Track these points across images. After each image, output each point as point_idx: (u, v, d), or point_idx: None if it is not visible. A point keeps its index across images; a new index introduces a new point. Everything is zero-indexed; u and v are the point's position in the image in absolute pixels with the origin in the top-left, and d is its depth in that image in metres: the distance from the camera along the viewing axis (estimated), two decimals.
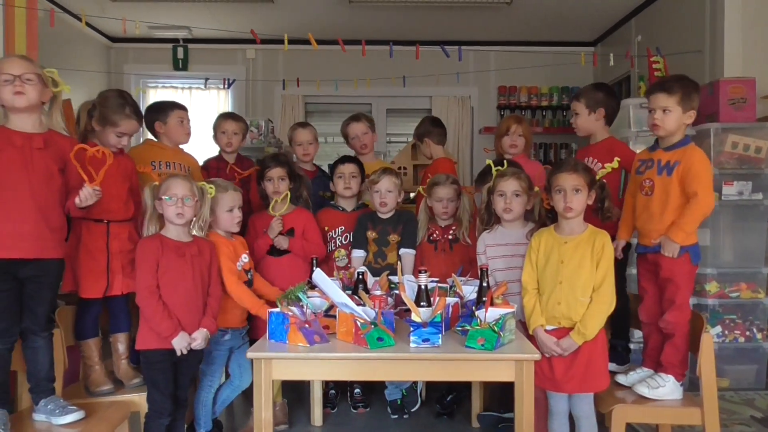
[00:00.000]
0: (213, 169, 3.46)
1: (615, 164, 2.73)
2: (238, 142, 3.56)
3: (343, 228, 3.25)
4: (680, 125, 2.54)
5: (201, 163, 3.47)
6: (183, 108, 3.26)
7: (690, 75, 2.67)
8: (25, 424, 2.25)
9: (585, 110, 3.07)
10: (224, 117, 3.62)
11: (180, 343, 2.32)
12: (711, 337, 2.39)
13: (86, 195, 2.27)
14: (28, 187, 2.20)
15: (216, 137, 3.55)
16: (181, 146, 3.25)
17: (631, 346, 3.02)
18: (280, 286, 2.77)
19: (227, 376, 2.91)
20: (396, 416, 3.20)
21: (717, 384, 2.37)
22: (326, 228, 3.24)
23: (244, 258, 2.75)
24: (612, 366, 2.68)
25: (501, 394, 3.00)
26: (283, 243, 3.01)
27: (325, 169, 3.77)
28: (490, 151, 4.22)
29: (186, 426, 2.59)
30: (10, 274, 2.19)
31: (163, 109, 3.21)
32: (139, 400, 2.47)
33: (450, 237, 3.14)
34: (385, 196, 3.13)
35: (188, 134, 3.25)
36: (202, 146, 3.98)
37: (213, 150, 3.70)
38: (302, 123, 3.84)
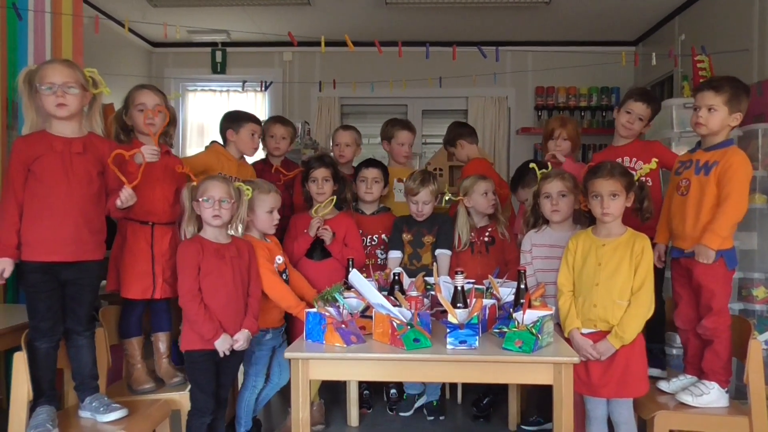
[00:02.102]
0: (258, 171, 3.48)
1: (653, 165, 2.66)
2: (286, 147, 3.59)
3: (361, 231, 3.23)
4: (724, 126, 2.46)
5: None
6: (257, 122, 3.32)
7: (737, 75, 2.59)
8: (72, 420, 2.31)
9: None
10: (273, 121, 3.64)
11: (223, 345, 2.34)
12: (759, 343, 2.33)
13: (127, 196, 2.30)
14: (68, 191, 2.23)
15: (264, 141, 3.57)
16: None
17: (673, 351, 2.94)
18: (319, 289, 2.77)
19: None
20: (432, 418, 3.19)
21: (766, 392, 2.30)
22: None
23: (279, 259, 2.76)
24: (653, 371, 2.62)
25: (539, 399, 2.96)
26: (326, 235, 2.99)
27: None
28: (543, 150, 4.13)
29: (225, 424, 2.61)
30: (52, 277, 2.23)
31: (238, 119, 3.26)
32: (179, 398, 2.51)
33: (486, 239, 3.11)
34: (422, 208, 3.10)
35: (255, 148, 3.32)
36: None
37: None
38: (345, 126, 3.82)
